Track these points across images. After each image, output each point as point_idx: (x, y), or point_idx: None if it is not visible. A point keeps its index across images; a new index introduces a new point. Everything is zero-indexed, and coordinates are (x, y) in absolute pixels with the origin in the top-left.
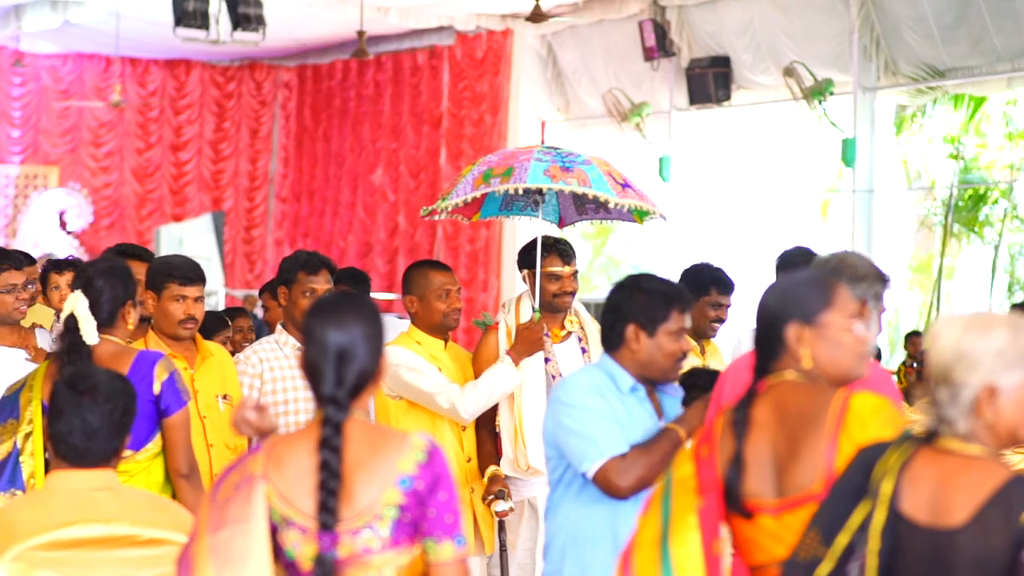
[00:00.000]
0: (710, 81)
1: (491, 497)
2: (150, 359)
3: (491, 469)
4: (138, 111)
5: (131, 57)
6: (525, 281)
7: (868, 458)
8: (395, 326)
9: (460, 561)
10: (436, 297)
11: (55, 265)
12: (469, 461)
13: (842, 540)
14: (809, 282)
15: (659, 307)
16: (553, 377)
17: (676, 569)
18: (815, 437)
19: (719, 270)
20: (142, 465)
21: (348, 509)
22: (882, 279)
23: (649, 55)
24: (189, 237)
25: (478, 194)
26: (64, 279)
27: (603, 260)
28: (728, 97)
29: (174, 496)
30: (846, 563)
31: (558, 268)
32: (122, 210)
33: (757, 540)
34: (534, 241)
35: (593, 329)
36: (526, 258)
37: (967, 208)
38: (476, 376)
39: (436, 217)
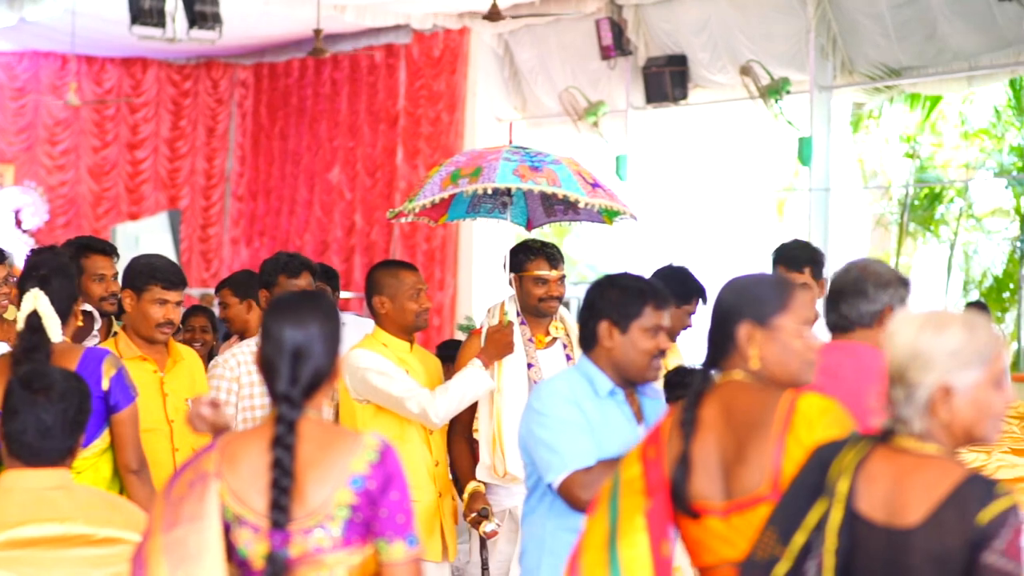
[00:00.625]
0: (667, 80)
1: (474, 515)
2: (97, 356)
3: (471, 486)
4: (94, 109)
5: (87, 55)
6: (511, 285)
7: (824, 456)
8: (358, 324)
9: (412, 561)
10: (408, 297)
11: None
12: (437, 465)
13: (799, 539)
14: (767, 283)
15: (632, 302)
16: (536, 383)
17: (624, 571)
18: (762, 439)
19: (699, 281)
20: (90, 462)
21: (300, 508)
22: (905, 284)
23: (606, 54)
24: (145, 235)
25: (446, 195)
26: None
27: None
28: (685, 96)
29: (122, 492)
30: (803, 562)
31: (544, 272)
32: (78, 208)
33: (705, 541)
34: (521, 244)
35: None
36: (513, 261)
37: (923, 207)
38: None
39: (403, 219)
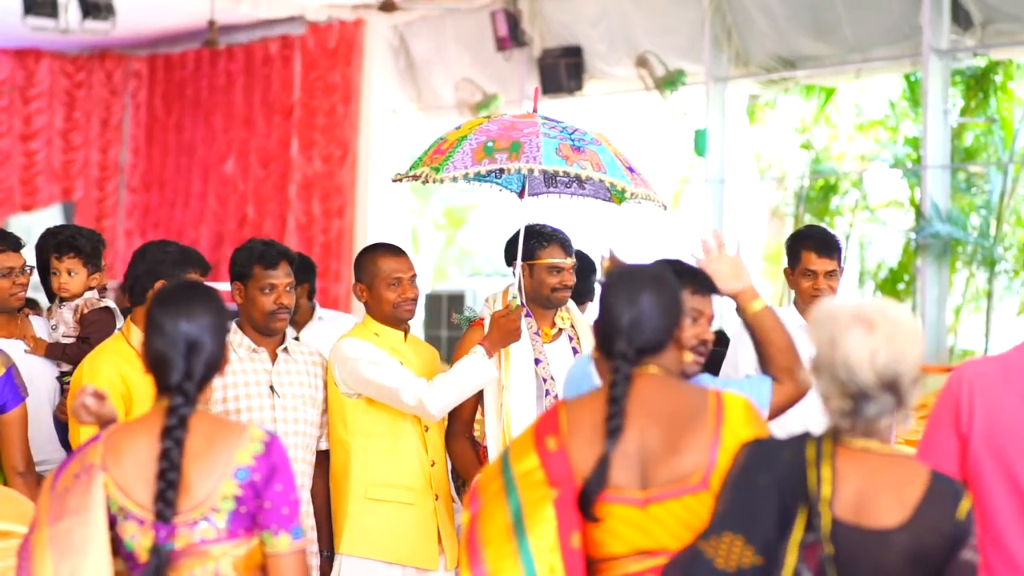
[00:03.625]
0: (562, 71)
1: None
2: None
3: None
4: None
5: None
6: (514, 274)
7: (768, 457)
8: (336, 320)
9: (297, 553)
10: (385, 285)
11: (55, 248)
12: (433, 466)
13: (791, 558)
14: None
15: None
16: (544, 380)
17: (537, 561)
18: (696, 430)
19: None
20: None
21: (185, 501)
22: None
23: (501, 45)
24: (39, 227)
25: (482, 169)
26: (64, 265)
27: (455, 251)
28: (580, 87)
29: None
30: (800, 574)
31: (559, 260)
32: None
33: (616, 530)
34: (527, 230)
35: (585, 327)
36: (514, 248)
37: (818, 198)
38: None
39: (415, 180)
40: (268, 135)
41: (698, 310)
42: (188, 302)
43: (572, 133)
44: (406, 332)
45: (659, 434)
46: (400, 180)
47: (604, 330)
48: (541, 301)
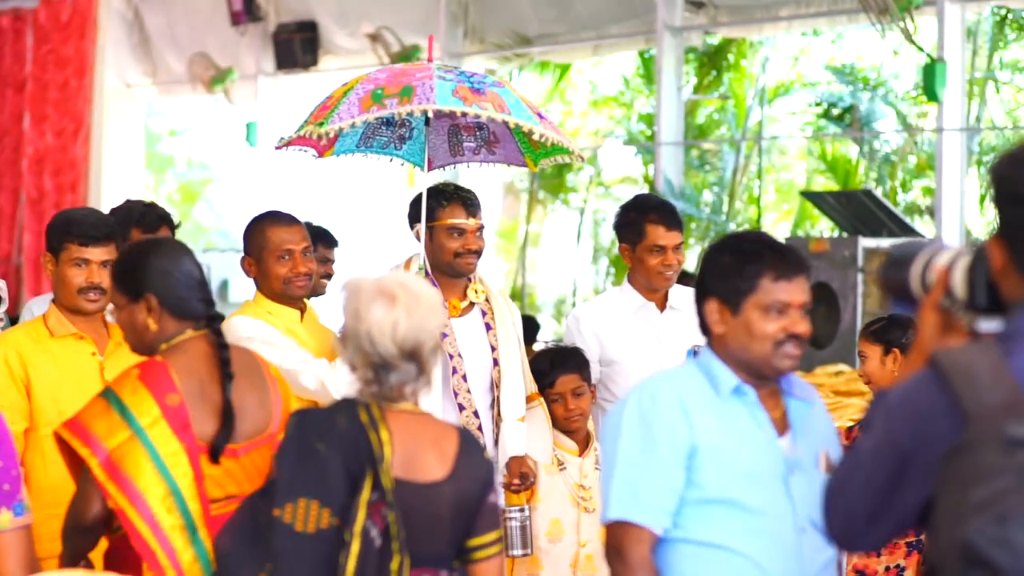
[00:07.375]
0: (297, 46)
1: None
2: None
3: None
4: None
5: None
6: (418, 238)
7: (322, 426)
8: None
9: (19, 529)
10: (275, 259)
11: None
12: None
13: (362, 514)
14: None
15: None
16: (451, 356)
17: (190, 507)
18: (263, 387)
19: (324, 228)
20: None
21: None
22: None
23: (236, 20)
24: None
25: (370, 117)
26: None
27: (190, 226)
28: (315, 62)
29: None
30: (369, 532)
31: (461, 220)
32: None
33: (216, 478)
34: (431, 189)
35: (501, 302)
36: (417, 211)
37: (553, 175)
38: None
39: (292, 148)
40: (1, 109)
41: (783, 302)
42: None
43: (472, 77)
44: (303, 311)
45: (244, 390)
46: (283, 147)
47: (185, 292)
48: (444, 268)
